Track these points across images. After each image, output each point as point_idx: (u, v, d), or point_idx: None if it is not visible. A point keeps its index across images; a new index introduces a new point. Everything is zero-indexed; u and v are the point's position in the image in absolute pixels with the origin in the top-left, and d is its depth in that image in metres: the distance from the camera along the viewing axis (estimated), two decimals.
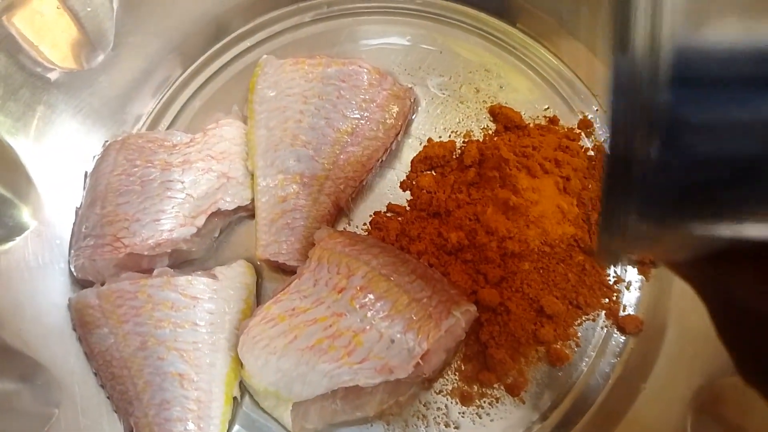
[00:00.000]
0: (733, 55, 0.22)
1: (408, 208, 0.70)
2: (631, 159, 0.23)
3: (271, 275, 0.69)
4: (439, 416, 0.62)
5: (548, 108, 0.75)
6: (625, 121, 0.23)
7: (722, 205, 0.24)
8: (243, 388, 0.63)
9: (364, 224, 0.70)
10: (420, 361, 0.55)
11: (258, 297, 0.67)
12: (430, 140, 0.73)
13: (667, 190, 0.23)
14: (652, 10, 0.22)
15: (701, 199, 0.24)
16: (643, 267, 0.67)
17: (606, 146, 0.24)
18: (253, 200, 0.68)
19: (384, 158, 0.71)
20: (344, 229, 0.70)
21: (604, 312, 0.66)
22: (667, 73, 0.22)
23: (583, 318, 0.65)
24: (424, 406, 0.63)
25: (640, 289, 0.67)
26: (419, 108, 0.75)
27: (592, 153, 0.71)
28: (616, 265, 0.66)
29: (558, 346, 0.63)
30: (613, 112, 0.23)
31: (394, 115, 0.71)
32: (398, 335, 0.56)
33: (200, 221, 0.64)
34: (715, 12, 0.22)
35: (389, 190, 0.71)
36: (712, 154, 0.23)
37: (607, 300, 0.66)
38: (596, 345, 0.65)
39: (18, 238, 0.62)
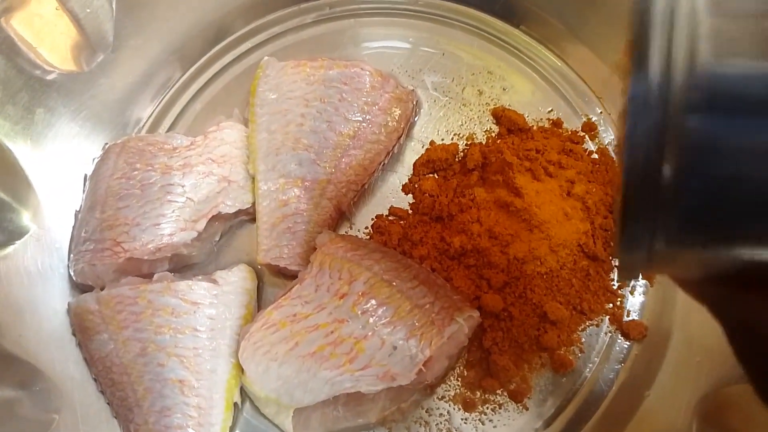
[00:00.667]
0: (750, 79, 0.21)
1: (410, 212, 0.69)
2: (646, 180, 0.22)
3: (272, 280, 0.68)
4: (441, 422, 0.62)
5: (551, 110, 0.74)
6: (640, 141, 0.22)
7: (739, 228, 0.23)
8: (244, 394, 0.62)
9: (366, 228, 0.69)
10: (422, 368, 0.55)
11: (259, 302, 0.66)
12: (432, 143, 0.72)
13: (681, 212, 0.23)
14: (668, 30, 0.21)
15: (716, 223, 0.23)
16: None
17: (622, 166, 0.23)
18: (254, 204, 0.67)
19: (386, 161, 0.70)
20: (346, 233, 0.69)
21: (608, 317, 0.65)
22: (683, 95, 0.21)
23: (587, 324, 0.65)
24: (426, 412, 0.62)
25: (644, 294, 0.66)
26: (421, 111, 0.74)
27: (596, 156, 0.70)
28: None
29: (562, 353, 0.63)
30: (629, 132, 0.22)
31: (397, 118, 0.70)
32: (400, 342, 0.56)
33: (201, 225, 0.64)
34: (735, 36, 0.21)
35: (391, 194, 0.71)
36: (728, 178, 0.22)
37: (610, 305, 0.65)
38: (600, 351, 0.64)
39: (17, 243, 0.61)
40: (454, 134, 0.73)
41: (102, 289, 0.62)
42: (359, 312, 0.57)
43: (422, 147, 0.72)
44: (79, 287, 0.64)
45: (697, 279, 0.30)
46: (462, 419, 0.62)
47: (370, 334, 0.56)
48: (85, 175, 0.68)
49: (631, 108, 0.22)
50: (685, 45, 0.21)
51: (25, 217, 0.62)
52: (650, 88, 0.22)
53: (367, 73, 0.70)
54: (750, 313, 0.27)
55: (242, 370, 0.59)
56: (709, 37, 0.21)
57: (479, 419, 0.62)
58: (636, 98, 0.22)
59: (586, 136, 0.72)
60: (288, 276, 0.67)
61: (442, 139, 0.73)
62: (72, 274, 0.63)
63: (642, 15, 0.22)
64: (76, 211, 0.66)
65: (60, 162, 0.66)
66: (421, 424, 0.62)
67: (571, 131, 0.72)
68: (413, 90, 0.74)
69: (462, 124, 0.74)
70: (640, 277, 0.66)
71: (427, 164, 0.70)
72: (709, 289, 0.29)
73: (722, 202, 0.23)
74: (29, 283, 0.61)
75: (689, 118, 0.22)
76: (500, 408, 0.62)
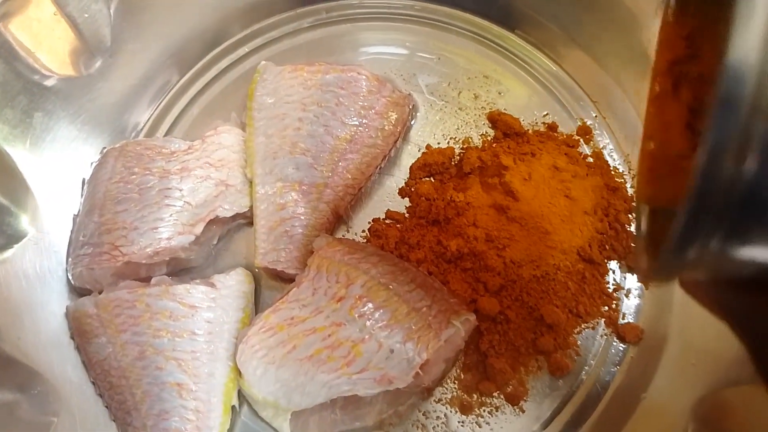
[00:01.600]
0: None
1: (407, 216, 0.69)
2: (723, 176, 0.22)
3: (269, 283, 0.68)
4: (438, 425, 0.62)
5: (547, 114, 0.75)
6: (723, 136, 0.22)
7: None
8: (242, 397, 0.62)
9: (363, 231, 0.70)
10: (419, 371, 0.55)
11: (256, 305, 0.67)
12: (428, 147, 0.72)
13: (751, 212, 0.23)
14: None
15: None
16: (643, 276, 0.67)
17: (697, 162, 0.23)
18: (251, 208, 0.67)
19: (383, 165, 0.70)
20: (343, 236, 0.70)
21: (603, 320, 0.65)
22: None
23: (583, 327, 0.65)
24: (423, 415, 0.62)
25: (639, 296, 0.67)
26: (418, 115, 0.75)
27: (591, 160, 0.71)
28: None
29: (558, 356, 0.63)
30: (713, 127, 0.22)
31: (393, 122, 0.71)
32: (397, 345, 0.56)
33: (198, 229, 0.64)
34: None
35: (388, 197, 0.71)
36: None
37: (606, 308, 0.65)
38: (596, 354, 0.65)
39: (16, 246, 0.61)
40: (451, 138, 0.73)
41: (100, 292, 0.62)
42: (356, 315, 0.57)
43: (419, 151, 0.73)
44: (78, 291, 0.64)
45: (727, 289, 0.29)
46: (459, 422, 0.62)
47: (367, 337, 0.57)
48: (84, 179, 0.68)
49: (717, 101, 0.22)
50: None
51: (24, 221, 0.62)
52: (740, 82, 0.22)
53: (364, 77, 0.70)
54: None
55: (240, 374, 0.59)
56: None
57: (476, 422, 0.62)
58: (724, 91, 0.22)
59: (582, 140, 0.72)
60: (285, 279, 0.67)
61: (439, 143, 0.73)
62: (70, 277, 0.64)
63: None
64: (74, 215, 0.67)
65: (58, 166, 0.66)
66: (418, 427, 0.62)
67: (567, 135, 0.72)
68: (410, 94, 0.74)
69: (458, 128, 0.74)
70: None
71: (423, 168, 0.71)
72: (738, 300, 0.29)
73: None
74: (28, 287, 0.61)
75: None
76: (497, 411, 0.62)
